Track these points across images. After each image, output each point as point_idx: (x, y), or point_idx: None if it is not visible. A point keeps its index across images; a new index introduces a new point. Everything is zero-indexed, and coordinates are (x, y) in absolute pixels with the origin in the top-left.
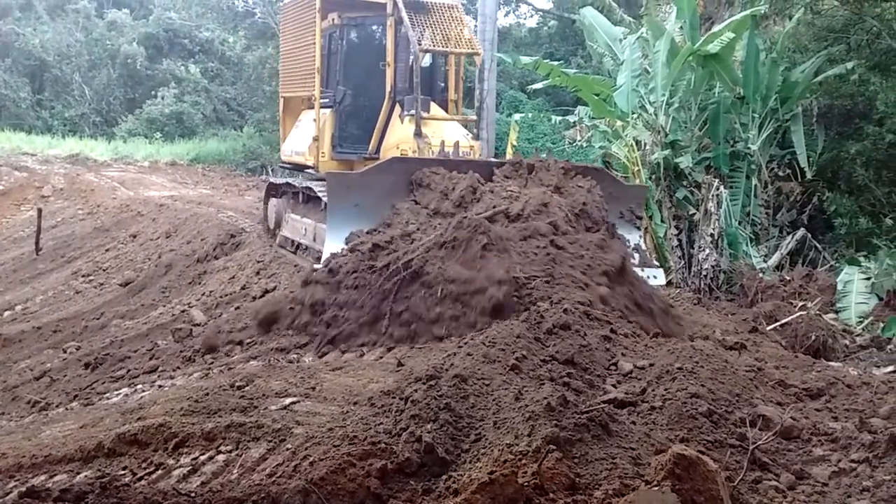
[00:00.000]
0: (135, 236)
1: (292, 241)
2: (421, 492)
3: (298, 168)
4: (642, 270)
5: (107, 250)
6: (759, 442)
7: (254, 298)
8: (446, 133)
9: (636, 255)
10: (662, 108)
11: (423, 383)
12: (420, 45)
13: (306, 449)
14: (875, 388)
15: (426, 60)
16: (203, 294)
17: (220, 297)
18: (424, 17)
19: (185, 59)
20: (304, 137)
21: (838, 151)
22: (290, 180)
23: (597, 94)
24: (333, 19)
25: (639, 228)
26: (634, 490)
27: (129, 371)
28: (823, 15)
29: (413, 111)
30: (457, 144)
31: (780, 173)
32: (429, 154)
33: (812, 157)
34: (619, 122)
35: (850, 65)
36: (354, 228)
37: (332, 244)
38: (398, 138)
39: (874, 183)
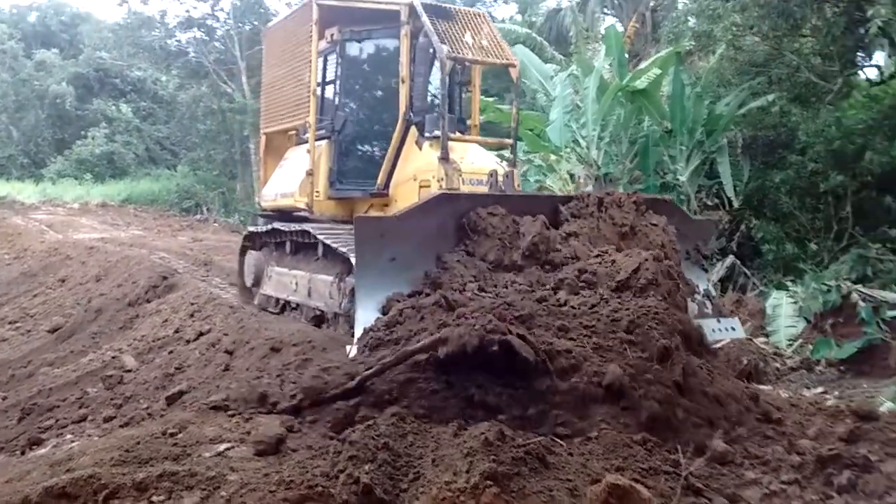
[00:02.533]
0: (63, 280)
1: (277, 300)
2: None
3: (285, 213)
4: (718, 321)
5: (34, 296)
6: (692, 468)
7: (188, 342)
8: (473, 159)
9: (708, 304)
10: (594, 142)
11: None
12: (448, 53)
13: (241, 496)
14: (804, 410)
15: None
16: (135, 339)
17: (153, 340)
18: (448, 24)
19: (117, 99)
20: (294, 175)
21: (763, 180)
22: (275, 225)
23: (531, 130)
24: (332, 35)
25: (706, 270)
26: None
27: (57, 420)
28: (745, 50)
29: (437, 132)
30: (504, 174)
31: (709, 202)
32: (458, 184)
33: (738, 186)
34: (552, 157)
35: (771, 97)
36: (392, 291)
37: (365, 314)
38: (416, 168)
39: (798, 210)
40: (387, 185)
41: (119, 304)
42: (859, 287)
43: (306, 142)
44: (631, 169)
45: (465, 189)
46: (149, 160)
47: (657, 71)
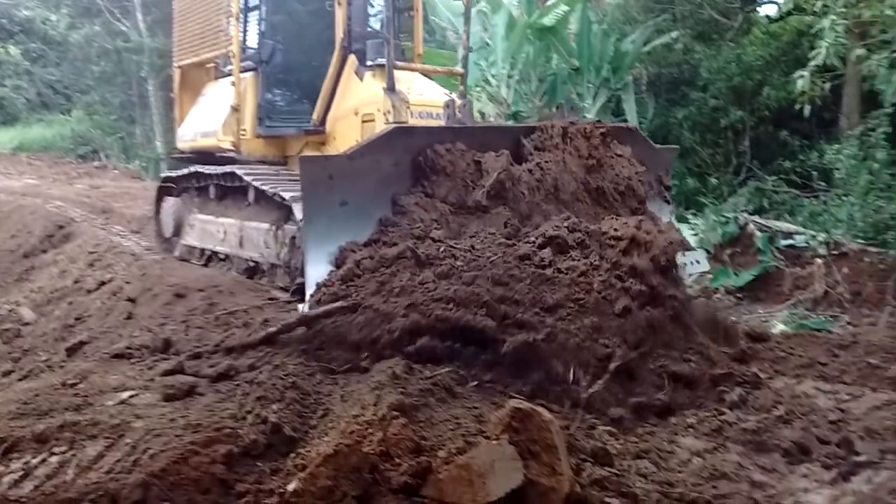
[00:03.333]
0: None
1: (202, 251)
2: (269, 472)
3: (206, 155)
4: (684, 255)
5: None
6: (592, 389)
7: (88, 292)
8: (422, 91)
9: None
10: (504, 81)
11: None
12: None
13: (147, 442)
14: None
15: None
16: (32, 291)
17: (51, 292)
18: None
19: (4, 41)
20: (216, 113)
21: (667, 117)
22: (196, 169)
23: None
24: None
25: (669, 202)
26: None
27: None
28: None
29: (381, 59)
30: (461, 105)
31: None
32: (406, 117)
33: (644, 122)
34: None
35: (675, 34)
36: (344, 239)
37: (316, 267)
38: (357, 100)
39: (699, 145)
40: (323, 121)
41: (13, 255)
42: (756, 218)
43: (227, 75)
44: (540, 107)
45: (414, 123)
46: (41, 105)
47: (565, 8)
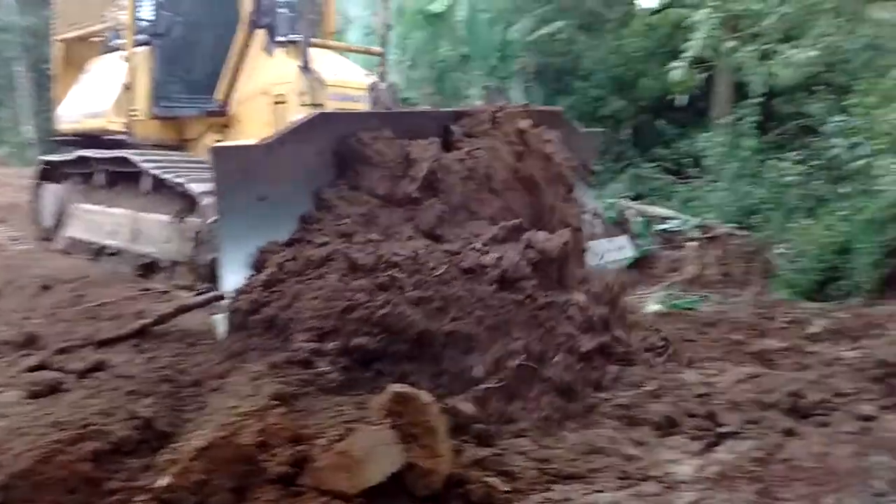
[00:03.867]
0: None
1: (89, 245)
2: (141, 469)
3: (92, 138)
4: (609, 242)
5: None
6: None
7: None
8: (337, 71)
9: (597, 223)
10: (395, 67)
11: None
12: None
13: (9, 442)
14: None
15: None
16: None
17: None
18: None
19: None
20: (105, 91)
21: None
22: (81, 153)
23: None
24: None
25: (594, 187)
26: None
27: None
28: None
29: (294, 36)
30: (386, 87)
31: None
32: (323, 99)
33: None
34: None
35: (559, 24)
36: (263, 239)
37: (234, 272)
38: (267, 80)
39: None
40: (227, 102)
41: None
42: (635, 203)
43: (116, 49)
44: (431, 94)
45: (332, 105)
46: None
47: None
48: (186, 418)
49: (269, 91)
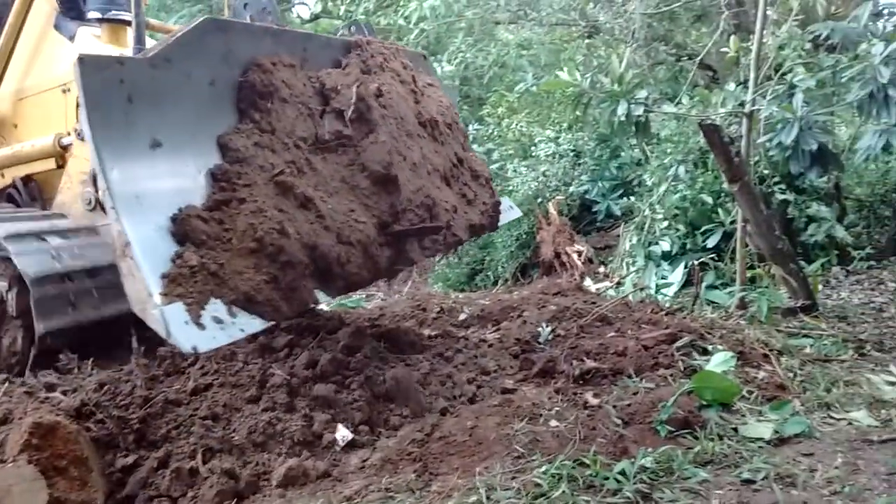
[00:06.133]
0: None
1: None
2: None
3: None
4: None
5: None
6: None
7: None
8: None
9: None
10: None
11: None
12: None
13: None
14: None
15: None
16: None
17: None
18: None
19: None
20: None
21: None
22: None
23: None
24: None
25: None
26: None
27: None
28: None
29: (114, 12)
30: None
31: None
32: None
33: None
34: None
35: None
36: (174, 203)
37: (153, 252)
38: (67, 71)
39: None
40: None
41: None
42: None
43: None
44: None
45: None
46: None
47: None
48: None
49: (70, 86)
